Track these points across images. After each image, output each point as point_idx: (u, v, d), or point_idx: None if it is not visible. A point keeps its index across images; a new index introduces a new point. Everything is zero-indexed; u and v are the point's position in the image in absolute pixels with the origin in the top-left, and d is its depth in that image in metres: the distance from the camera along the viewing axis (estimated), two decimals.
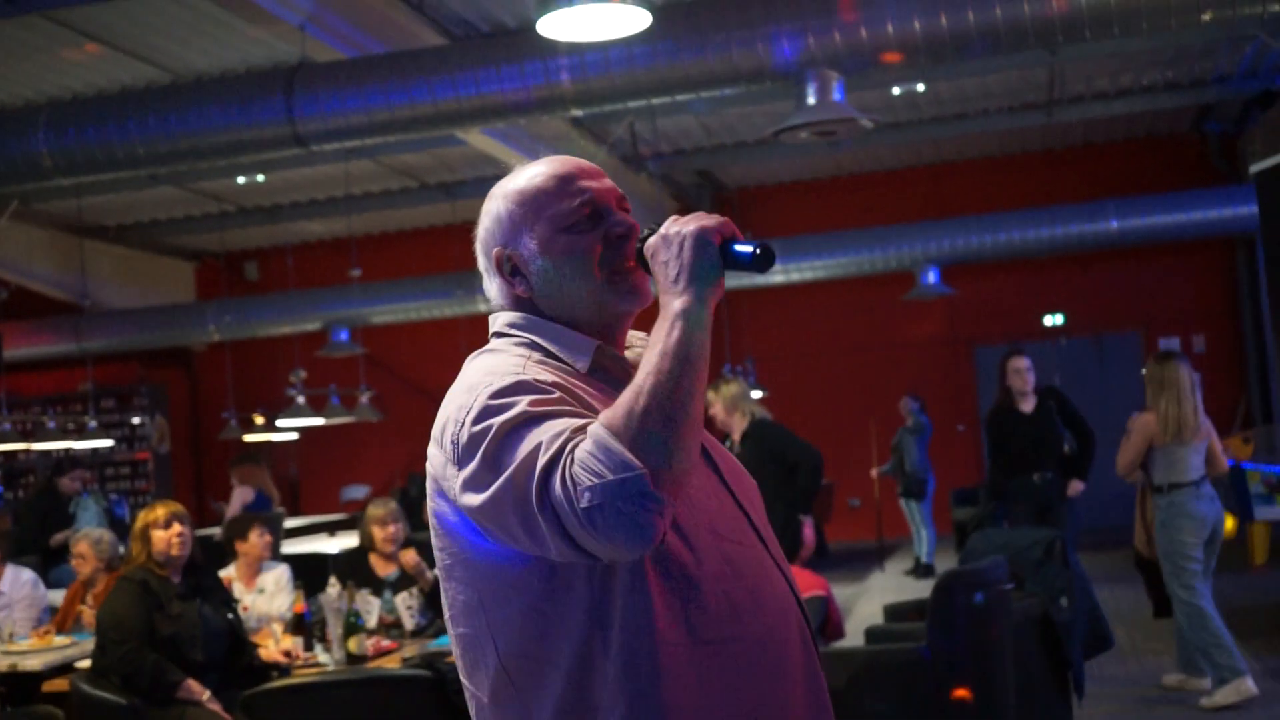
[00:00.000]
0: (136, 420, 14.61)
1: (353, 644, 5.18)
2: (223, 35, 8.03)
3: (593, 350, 1.77)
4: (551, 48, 6.40)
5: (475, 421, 1.60)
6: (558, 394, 1.62)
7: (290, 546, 9.84)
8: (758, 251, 1.63)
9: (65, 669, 5.51)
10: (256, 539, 6.09)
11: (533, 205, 1.79)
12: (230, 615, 5.15)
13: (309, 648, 5.37)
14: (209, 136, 6.92)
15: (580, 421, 1.56)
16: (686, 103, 9.14)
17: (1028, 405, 7.31)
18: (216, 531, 9.72)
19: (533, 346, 1.77)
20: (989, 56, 6.43)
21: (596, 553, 1.51)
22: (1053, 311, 13.72)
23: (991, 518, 7.68)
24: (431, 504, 1.72)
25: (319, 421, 11.67)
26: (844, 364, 14.04)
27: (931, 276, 11.73)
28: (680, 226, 1.65)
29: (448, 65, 6.70)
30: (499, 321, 1.84)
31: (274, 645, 5.39)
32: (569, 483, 1.48)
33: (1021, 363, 7.34)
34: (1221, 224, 11.21)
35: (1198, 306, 13.37)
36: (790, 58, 6.32)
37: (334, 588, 5.60)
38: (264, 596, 6.07)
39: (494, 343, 1.82)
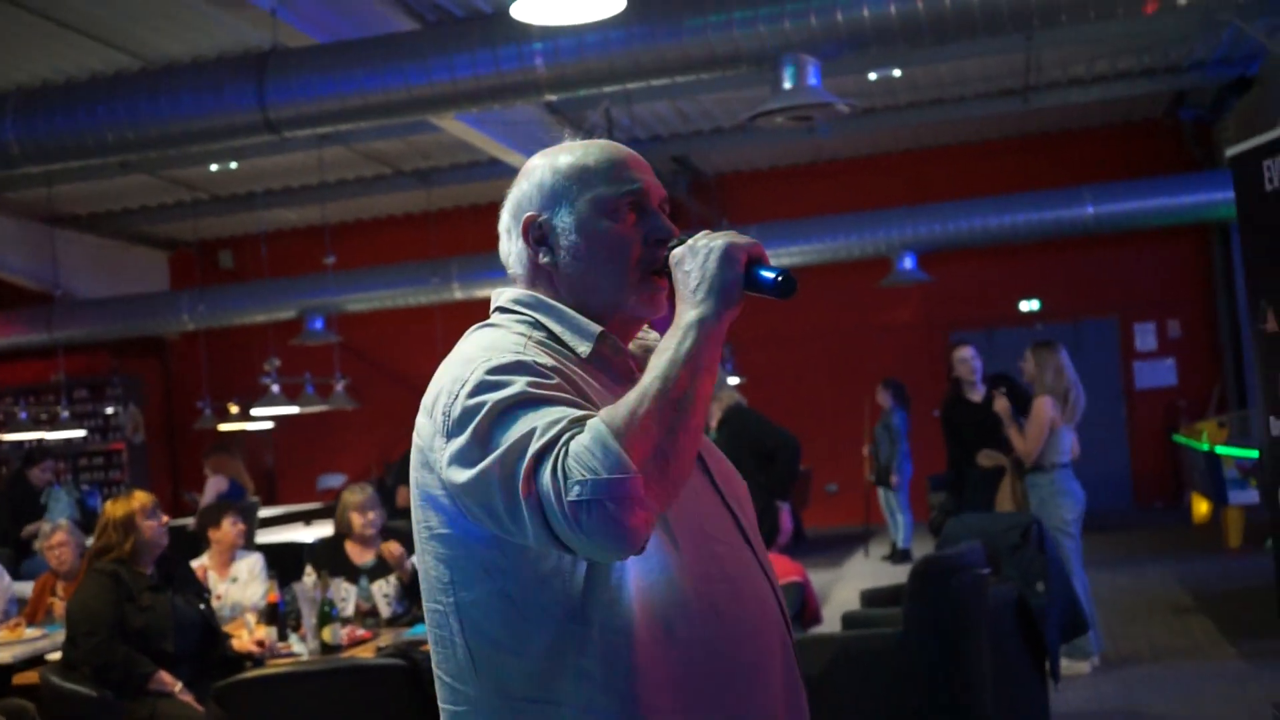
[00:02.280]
0: (110, 410, 14.50)
1: (327, 633, 5.15)
2: (194, 21, 7.94)
3: (595, 337, 1.74)
4: (525, 32, 6.35)
5: (470, 395, 1.58)
6: (557, 380, 1.60)
7: (266, 536, 9.79)
8: (780, 278, 1.62)
9: (36, 661, 5.46)
10: (229, 527, 6.04)
11: (580, 180, 1.77)
12: (202, 606, 5.11)
13: (283, 638, 5.33)
14: (180, 123, 6.84)
15: (579, 412, 1.53)
16: (662, 88, 9.10)
17: (976, 395, 7.36)
18: (190, 522, 9.66)
19: (535, 326, 1.74)
20: (966, 41, 6.40)
21: (575, 548, 1.49)
22: (1029, 297, 13.74)
23: (948, 511, 7.62)
24: (415, 474, 1.69)
25: (294, 410, 11.61)
26: (821, 350, 14.04)
27: (908, 262, 11.72)
28: (709, 240, 1.65)
29: (421, 50, 6.64)
30: (504, 297, 1.81)
31: (247, 635, 5.34)
32: (559, 473, 1.46)
33: (965, 352, 7.47)
34: (1196, 210, 11.22)
35: (1173, 292, 13.42)
36: (766, 42, 6.28)
37: (309, 577, 5.56)
38: (237, 586, 6.03)
39: (495, 318, 1.80)
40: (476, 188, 12.96)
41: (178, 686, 4.77)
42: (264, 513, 11.25)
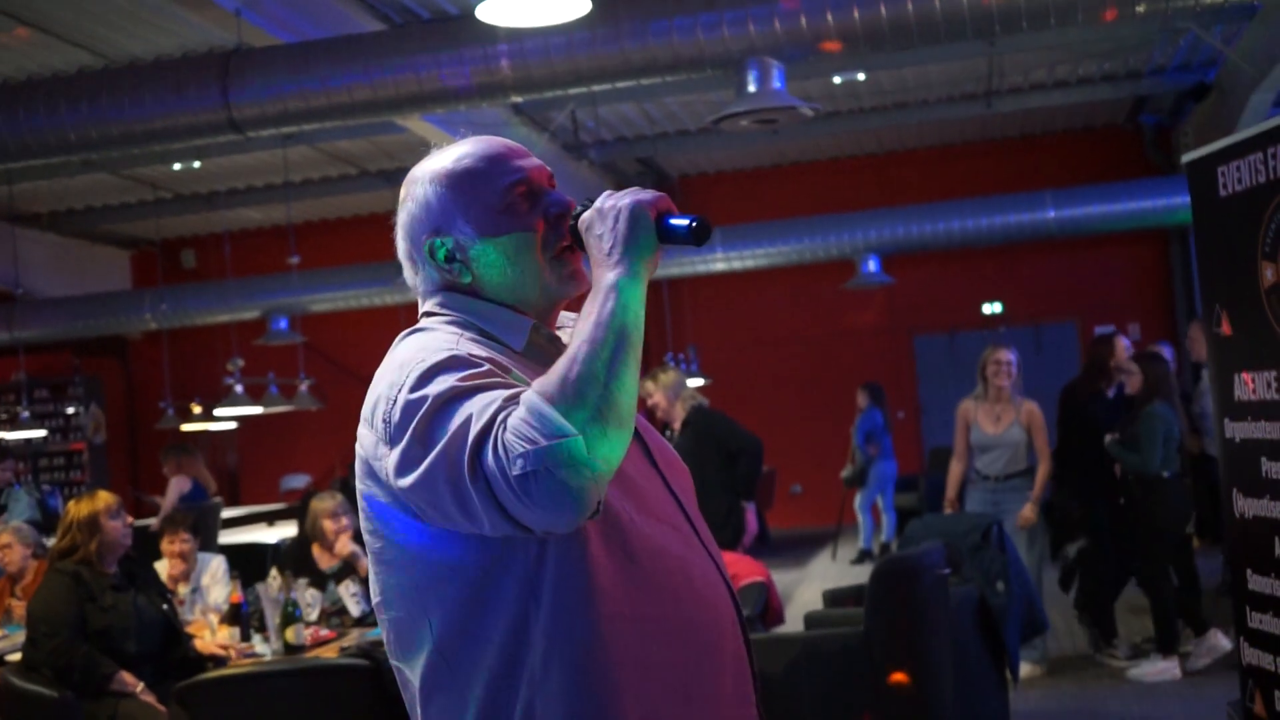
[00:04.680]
0: (71, 410, 14.38)
1: (290, 634, 5.15)
2: (158, 20, 7.89)
3: (528, 329, 1.75)
4: (491, 34, 6.35)
5: (407, 399, 1.57)
6: (488, 367, 1.60)
7: (229, 537, 9.74)
8: (694, 224, 1.63)
9: None
10: (167, 546, 5.99)
11: (465, 187, 1.75)
12: (165, 606, 5.09)
13: (246, 638, 5.32)
14: (143, 122, 6.80)
15: (512, 390, 1.53)
16: (628, 90, 9.12)
17: (1111, 390, 7.07)
18: (152, 522, 9.61)
19: (465, 325, 1.74)
20: (927, 46, 6.46)
21: (529, 523, 1.49)
22: (991, 300, 13.86)
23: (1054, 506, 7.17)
24: (361, 486, 1.69)
25: (258, 410, 11.56)
26: (785, 352, 14.10)
27: (872, 265, 11.79)
28: (615, 200, 1.65)
29: (386, 51, 6.64)
30: (430, 301, 1.80)
31: (210, 636, 5.33)
32: (501, 450, 1.46)
33: (1125, 342, 7.17)
34: (1156, 215, 11.34)
35: (1132, 296, 13.57)
36: (731, 45, 6.32)
37: (275, 579, 5.54)
38: (200, 590, 6.01)
39: (425, 321, 1.78)
40: None
41: (139, 687, 4.75)
42: (227, 513, 11.20)
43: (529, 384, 1.60)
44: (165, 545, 6.04)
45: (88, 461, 14.44)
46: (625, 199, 1.64)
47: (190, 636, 5.18)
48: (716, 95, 9.95)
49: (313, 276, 12.14)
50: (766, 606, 5.97)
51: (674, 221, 1.64)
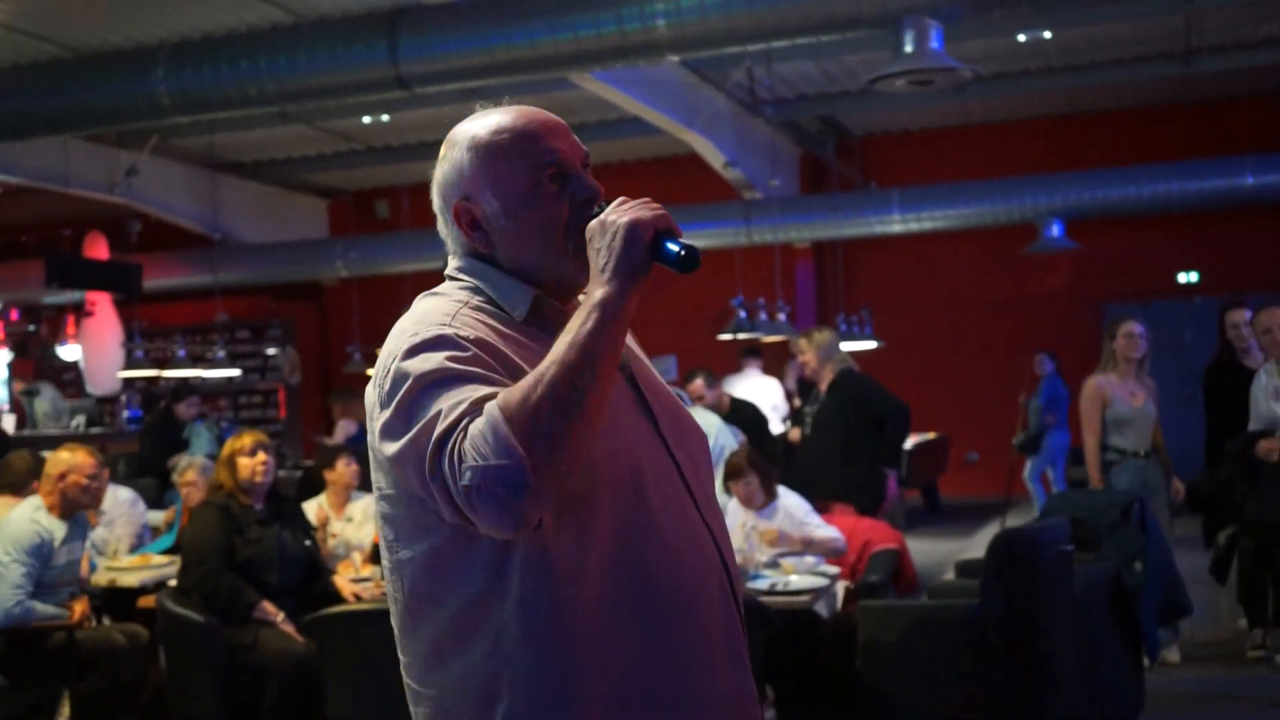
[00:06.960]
0: (270, 352, 15.08)
1: None
2: None
3: (530, 299, 1.77)
4: None
5: (397, 369, 1.64)
6: (473, 352, 1.64)
7: None
8: (683, 253, 1.63)
9: (159, 586, 5.79)
10: (344, 468, 6.28)
11: (496, 162, 1.78)
12: (308, 543, 5.35)
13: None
14: (315, 78, 7.09)
15: (484, 391, 1.58)
16: (806, 47, 9.01)
17: (1254, 360, 6.53)
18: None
19: (475, 291, 1.78)
20: (1100, 5, 6.23)
21: (476, 525, 1.56)
22: (1187, 269, 13.26)
23: (1197, 489, 6.75)
24: (369, 438, 1.75)
25: None
26: (963, 317, 13.78)
27: (1055, 230, 11.43)
28: (617, 215, 1.65)
29: (547, 10, 6.75)
30: (453, 263, 1.86)
31: (354, 573, 5.58)
32: (455, 458, 1.52)
33: (1240, 316, 6.74)
34: None
35: None
36: (888, 4, 6.22)
37: None
38: (352, 525, 6.27)
39: (443, 285, 1.84)
40: (618, 145, 13.03)
41: (280, 616, 5.02)
42: None
43: (518, 363, 1.65)
44: (342, 467, 6.29)
45: (284, 401, 15.14)
46: (625, 216, 1.64)
47: (330, 573, 5.44)
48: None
49: None
50: (899, 573, 5.92)
51: (668, 245, 1.64)
